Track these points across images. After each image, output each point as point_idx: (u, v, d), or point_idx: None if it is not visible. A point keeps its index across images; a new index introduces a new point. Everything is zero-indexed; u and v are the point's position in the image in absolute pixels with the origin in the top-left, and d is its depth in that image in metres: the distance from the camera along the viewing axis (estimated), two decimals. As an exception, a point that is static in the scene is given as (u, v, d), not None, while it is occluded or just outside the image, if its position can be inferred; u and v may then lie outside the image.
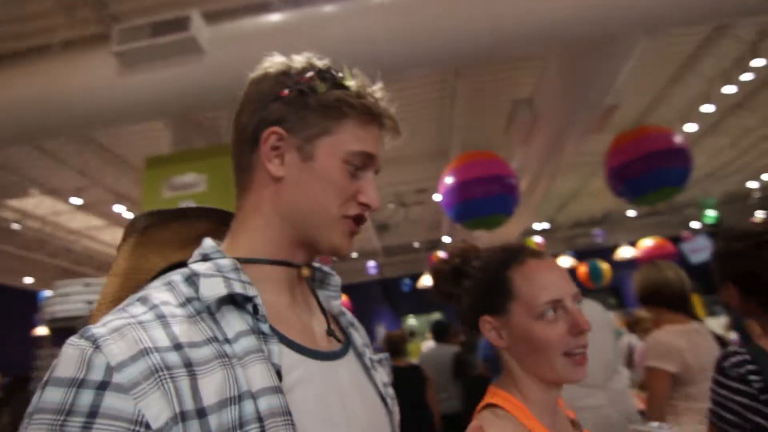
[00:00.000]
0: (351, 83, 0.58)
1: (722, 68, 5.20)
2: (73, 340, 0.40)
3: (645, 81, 5.37)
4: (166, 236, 0.59)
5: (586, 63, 3.36)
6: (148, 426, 0.37)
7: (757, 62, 4.84)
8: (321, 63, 0.60)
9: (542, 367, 0.74)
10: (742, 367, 0.94)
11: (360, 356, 0.63)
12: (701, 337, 1.74)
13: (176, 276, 0.50)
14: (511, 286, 0.77)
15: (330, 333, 0.59)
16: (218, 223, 0.63)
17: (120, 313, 0.44)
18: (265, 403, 0.43)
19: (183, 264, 0.53)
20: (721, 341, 1.93)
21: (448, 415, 3.84)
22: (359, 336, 0.67)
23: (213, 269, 0.49)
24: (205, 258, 0.52)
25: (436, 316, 12.73)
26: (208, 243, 0.54)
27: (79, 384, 0.37)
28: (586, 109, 3.91)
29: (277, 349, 0.48)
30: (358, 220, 0.59)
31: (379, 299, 11.82)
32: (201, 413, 0.40)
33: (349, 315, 0.70)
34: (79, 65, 3.00)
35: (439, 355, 4.09)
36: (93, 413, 0.36)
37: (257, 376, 0.44)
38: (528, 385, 0.76)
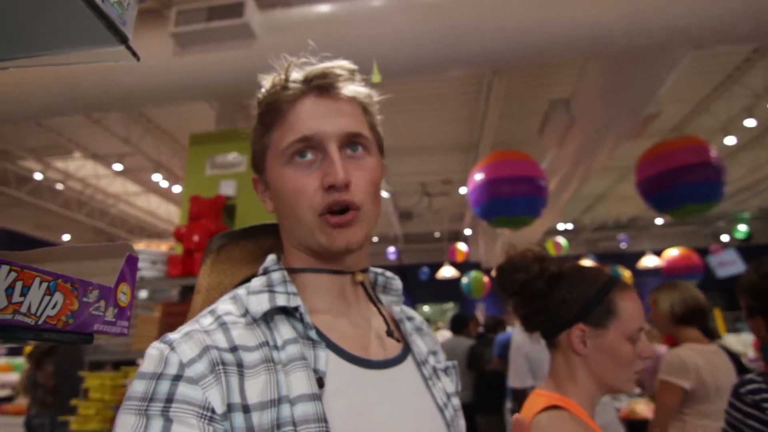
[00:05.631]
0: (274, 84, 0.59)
1: (770, 82, 5.04)
2: (155, 344, 0.50)
3: (688, 89, 5.24)
4: (238, 254, 0.66)
5: (630, 69, 3.29)
6: (213, 411, 0.45)
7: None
8: (272, 80, 0.60)
9: (617, 379, 0.89)
10: (757, 394, 1.03)
11: (420, 364, 0.62)
12: (719, 357, 1.83)
13: (241, 290, 0.57)
14: (615, 307, 0.90)
15: (389, 334, 0.59)
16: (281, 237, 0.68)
17: (192, 323, 0.53)
18: (300, 410, 0.47)
19: (254, 276, 0.61)
20: (736, 360, 1.99)
21: (461, 405, 3.98)
22: (424, 343, 0.66)
23: (264, 284, 0.56)
24: (265, 271, 0.59)
25: (450, 306, 12.86)
26: (270, 258, 0.61)
27: (158, 377, 0.45)
28: (626, 115, 3.84)
29: (324, 355, 0.52)
30: (338, 207, 0.54)
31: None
32: (245, 409, 0.46)
33: (418, 320, 0.71)
34: (137, 43, 3.12)
35: (455, 346, 4.23)
36: (170, 399, 0.44)
37: (297, 382, 0.49)
38: (588, 391, 0.90)
